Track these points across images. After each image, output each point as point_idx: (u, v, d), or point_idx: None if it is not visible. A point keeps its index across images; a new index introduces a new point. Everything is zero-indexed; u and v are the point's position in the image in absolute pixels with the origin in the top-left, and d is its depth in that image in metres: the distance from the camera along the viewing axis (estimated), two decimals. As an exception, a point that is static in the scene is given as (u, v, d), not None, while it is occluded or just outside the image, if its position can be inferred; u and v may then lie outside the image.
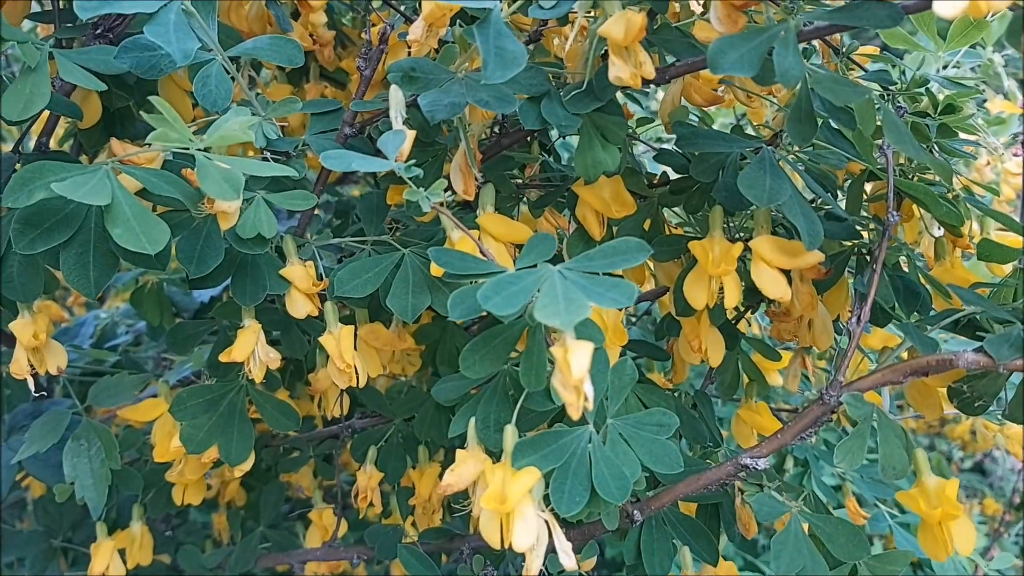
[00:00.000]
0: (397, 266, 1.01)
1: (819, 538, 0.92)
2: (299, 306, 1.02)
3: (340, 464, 1.47)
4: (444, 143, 1.05)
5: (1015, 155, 1.82)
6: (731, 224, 1.08)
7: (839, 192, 1.13)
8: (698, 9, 1.05)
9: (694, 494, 0.96)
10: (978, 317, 0.91)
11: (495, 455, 0.90)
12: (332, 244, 1.11)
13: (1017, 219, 1.16)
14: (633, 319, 1.90)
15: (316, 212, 1.41)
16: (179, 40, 0.76)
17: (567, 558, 0.78)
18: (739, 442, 1.30)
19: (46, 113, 1.03)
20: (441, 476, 1.30)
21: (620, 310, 1.02)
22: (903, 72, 1.13)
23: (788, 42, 0.76)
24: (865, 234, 1.08)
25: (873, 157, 0.98)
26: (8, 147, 2.73)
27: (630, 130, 1.05)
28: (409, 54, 1.03)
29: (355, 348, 1.05)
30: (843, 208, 1.04)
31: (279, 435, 1.49)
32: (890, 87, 1.08)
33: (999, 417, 1.12)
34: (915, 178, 1.05)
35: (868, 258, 1.06)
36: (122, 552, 1.32)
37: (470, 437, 0.89)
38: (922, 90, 1.10)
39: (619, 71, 0.79)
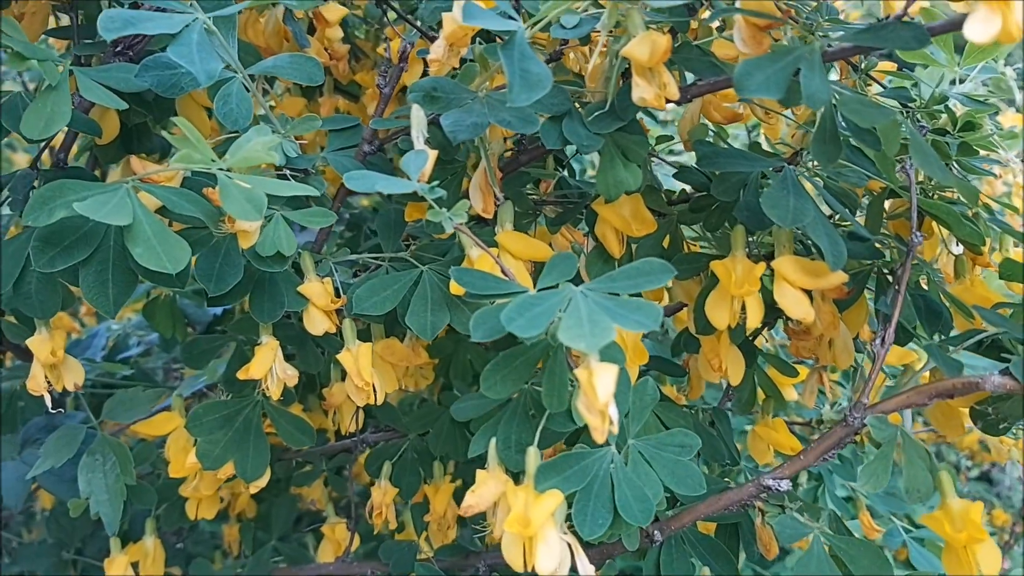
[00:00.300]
0: (415, 283, 1.01)
1: (841, 559, 0.91)
2: (317, 323, 1.01)
3: (352, 477, 1.46)
4: (462, 161, 1.05)
5: (1029, 168, 1.81)
6: (749, 240, 1.07)
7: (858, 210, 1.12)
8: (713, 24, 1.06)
9: (715, 514, 0.95)
10: (1001, 338, 0.90)
11: (515, 475, 0.90)
12: (349, 260, 1.11)
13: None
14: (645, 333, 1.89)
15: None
16: (203, 61, 0.76)
17: (590, 582, 0.77)
18: (755, 458, 1.29)
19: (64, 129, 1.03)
20: (456, 493, 1.31)
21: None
22: (918, 88, 1.13)
23: (814, 64, 0.76)
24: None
25: (894, 176, 0.98)
26: (16, 156, 2.74)
27: (649, 148, 1.04)
28: (425, 71, 1.03)
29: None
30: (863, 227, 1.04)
31: (291, 448, 1.49)
32: (908, 104, 1.08)
33: (1014, 432, 1.11)
34: (935, 196, 1.04)
35: (888, 276, 1.05)
36: (134, 565, 1.32)
37: (490, 457, 0.88)
38: (940, 107, 1.09)
39: (643, 92, 0.79)
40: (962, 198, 0.97)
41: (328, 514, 1.50)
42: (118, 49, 0.94)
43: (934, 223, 1.07)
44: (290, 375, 1.04)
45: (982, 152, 1.09)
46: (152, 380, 1.67)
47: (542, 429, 0.85)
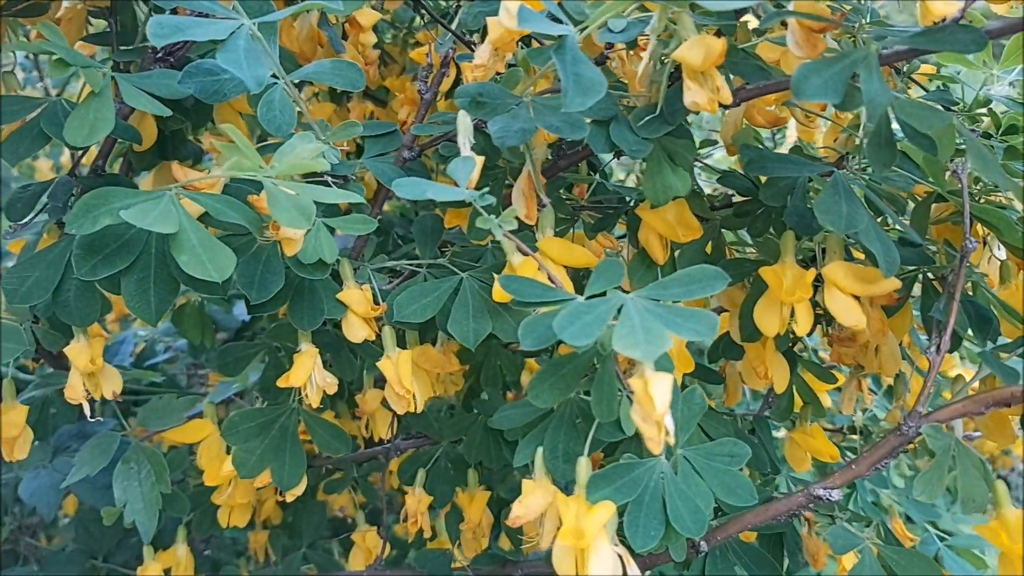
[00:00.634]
0: (455, 291, 1.00)
1: (892, 570, 0.89)
2: (356, 330, 1.00)
3: (384, 484, 1.44)
4: (502, 166, 1.04)
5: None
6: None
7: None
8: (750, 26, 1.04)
9: (762, 524, 0.94)
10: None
11: (561, 484, 0.89)
12: (386, 266, 1.10)
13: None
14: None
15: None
16: (251, 67, 0.75)
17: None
18: (792, 466, 1.27)
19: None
20: (491, 502, 1.29)
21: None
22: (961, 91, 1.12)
23: (872, 67, 0.74)
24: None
25: (944, 180, 0.96)
26: (39, 163, 2.74)
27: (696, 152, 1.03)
28: (461, 77, 1.02)
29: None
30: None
31: (321, 455, 1.48)
32: (951, 108, 1.06)
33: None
34: (983, 200, 1.02)
35: (934, 282, 1.04)
36: (166, 572, 1.31)
37: (537, 467, 0.87)
38: (983, 110, 1.08)
39: (695, 96, 0.77)
40: (1016, 203, 0.95)
41: (358, 521, 1.49)
42: (159, 55, 0.94)
43: (978, 227, 1.05)
44: (329, 382, 1.03)
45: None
46: (178, 386, 1.67)
47: (591, 439, 0.83)
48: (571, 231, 1.14)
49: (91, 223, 0.81)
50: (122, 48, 1.00)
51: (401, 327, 1.07)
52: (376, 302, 1.02)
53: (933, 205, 1.09)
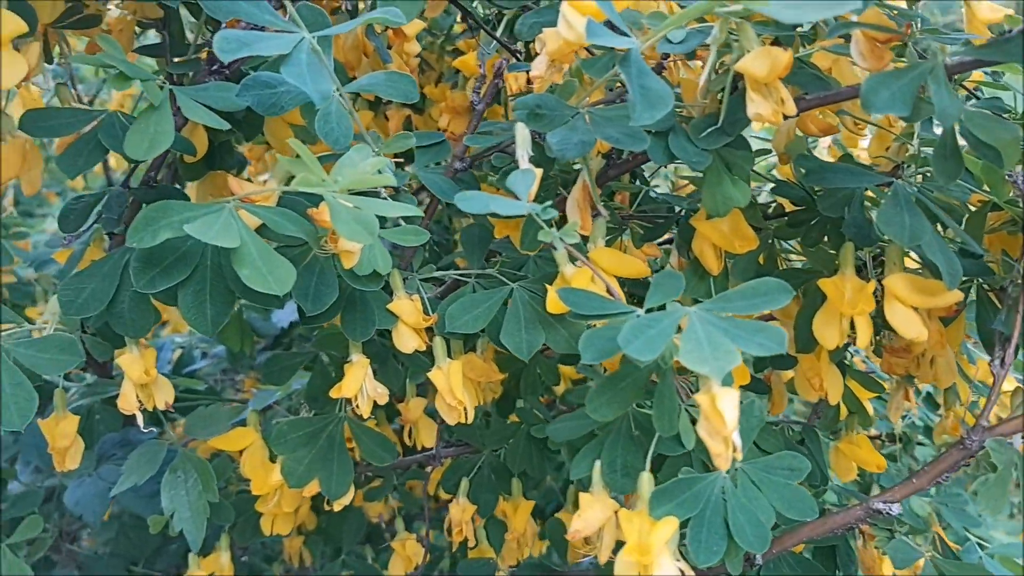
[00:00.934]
0: (505, 301, 0.99)
1: (952, 585, 0.88)
2: (407, 341, 1.00)
3: (425, 492, 1.44)
4: (552, 176, 1.04)
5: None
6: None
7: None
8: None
9: (819, 537, 0.93)
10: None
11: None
12: (435, 276, 1.10)
13: None
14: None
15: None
16: (315, 81, 0.75)
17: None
18: (839, 476, 1.26)
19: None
20: (535, 511, 1.29)
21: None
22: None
23: (940, 79, 0.74)
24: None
25: (1002, 189, 0.95)
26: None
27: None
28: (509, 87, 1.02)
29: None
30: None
31: (362, 462, 1.48)
32: (1003, 115, 1.05)
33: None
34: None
35: (989, 292, 1.03)
36: (210, 579, 1.32)
37: (595, 481, 0.87)
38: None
39: (759, 108, 0.77)
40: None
41: (397, 528, 1.49)
42: (214, 68, 0.94)
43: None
44: (380, 392, 1.03)
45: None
46: (216, 393, 1.67)
47: (651, 453, 0.83)
48: (619, 239, 1.13)
49: (151, 236, 0.81)
50: (176, 60, 1.00)
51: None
52: (426, 312, 1.02)
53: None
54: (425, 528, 1.36)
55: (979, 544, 1.69)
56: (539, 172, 0.82)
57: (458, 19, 1.50)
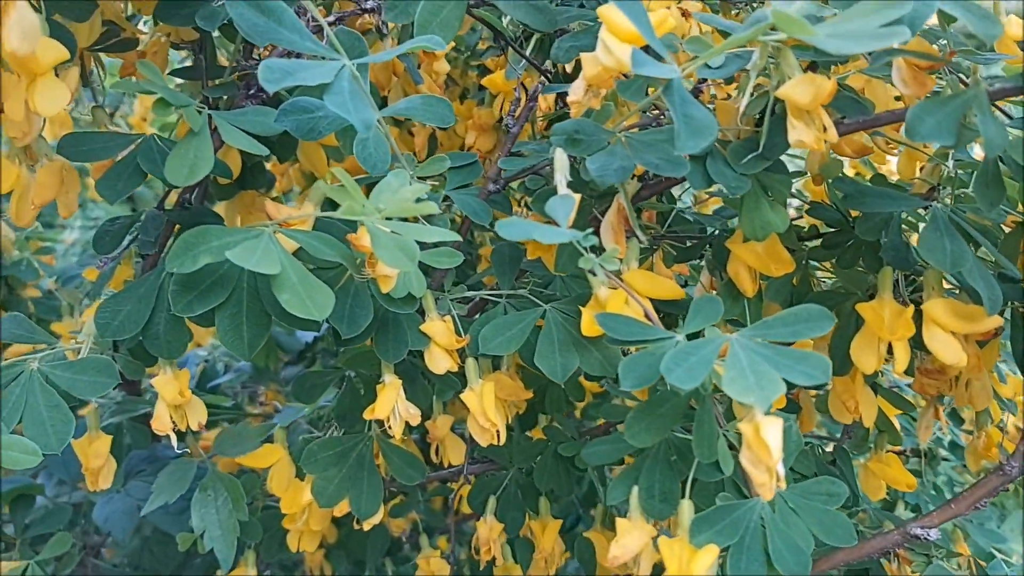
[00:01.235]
0: (538, 323, 0.99)
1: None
2: (440, 362, 1.00)
3: (451, 510, 1.44)
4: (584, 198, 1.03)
5: None
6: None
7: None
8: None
9: (854, 561, 0.93)
10: None
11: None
12: (466, 296, 1.10)
13: None
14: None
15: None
16: (357, 110, 0.75)
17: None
18: (868, 495, 1.26)
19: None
20: (563, 530, 1.29)
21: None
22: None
23: (984, 107, 0.73)
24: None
25: (1038, 212, 0.95)
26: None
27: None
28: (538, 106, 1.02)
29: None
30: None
31: (388, 477, 1.49)
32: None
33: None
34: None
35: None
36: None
37: (632, 507, 0.87)
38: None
39: (801, 135, 0.77)
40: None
41: (422, 544, 1.49)
42: (251, 92, 0.94)
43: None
44: (412, 414, 1.03)
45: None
46: (241, 409, 1.68)
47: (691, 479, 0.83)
48: (650, 259, 1.13)
49: (191, 262, 0.82)
50: (212, 84, 1.00)
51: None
52: (457, 333, 1.02)
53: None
54: (451, 544, 1.36)
55: (1005, 562, 1.68)
56: (578, 198, 0.82)
57: (483, 36, 1.50)
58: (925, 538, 0.88)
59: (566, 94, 0.84)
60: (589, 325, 0.90)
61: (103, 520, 1.30)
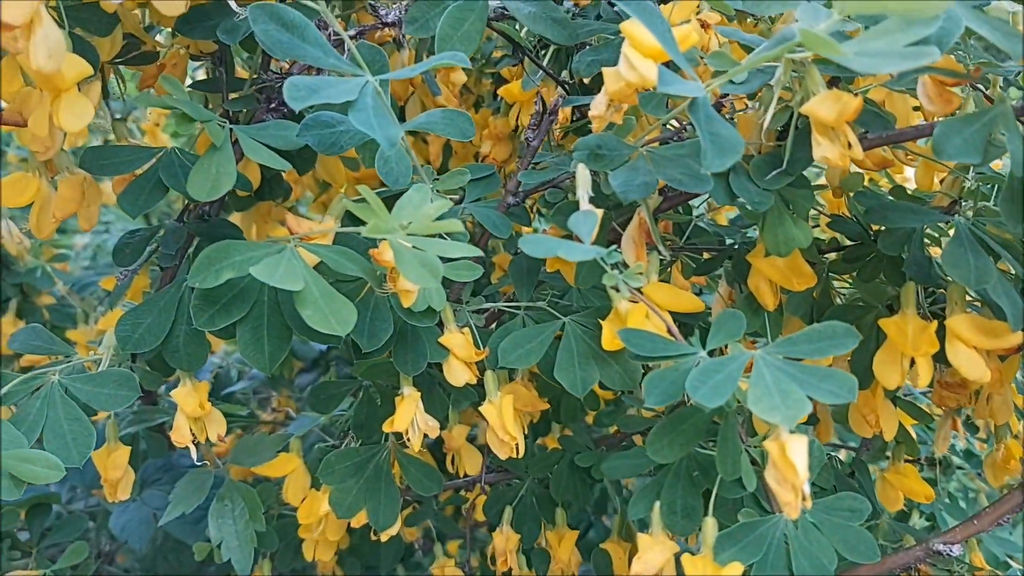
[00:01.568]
0: (557, 335, 0.99)
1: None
2: (458, 374, 1.00)
3: (467, 519, 1.44)
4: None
5: None
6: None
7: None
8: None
9: (875, 577, 0.92)
10: None
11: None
12: (483, 308, 1.10)
13: None
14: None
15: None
16: (382, 127, 0.75)
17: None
18: (885, 506, 1.25)
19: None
20: (579, 541, 1.29)
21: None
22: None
23: (1011, 125, 0.73)
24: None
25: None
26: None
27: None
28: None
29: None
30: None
31: (403, 484, 1.49)
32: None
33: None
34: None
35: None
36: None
37: (654, 523, 0.86)
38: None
39: (826, 152, 0.76)
40: None
41: (436, 553, 1.49)
42: (271, 105, 0.94)
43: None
44: (431, 426, 1.03)
45: None
46: (255, 416, 1.68)
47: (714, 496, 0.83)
48: (668, 270, 1.13)
49: (214, 277, 0.82)
50: (232, 97, 1.00)
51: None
52: (476, 345, 1.02)
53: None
54: (467, 554, 1.36)
55: (1022, 572, 1.68)
56: (601, 213, 0.81)
57: (497, 44, 1.50)
58: (948, 554, 0.87)
59: (583, 105, 0.84)
60: (610, 339, 0.90)
61: (120, 529, 1.30)
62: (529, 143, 1.00)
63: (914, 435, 1.42)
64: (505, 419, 1.00)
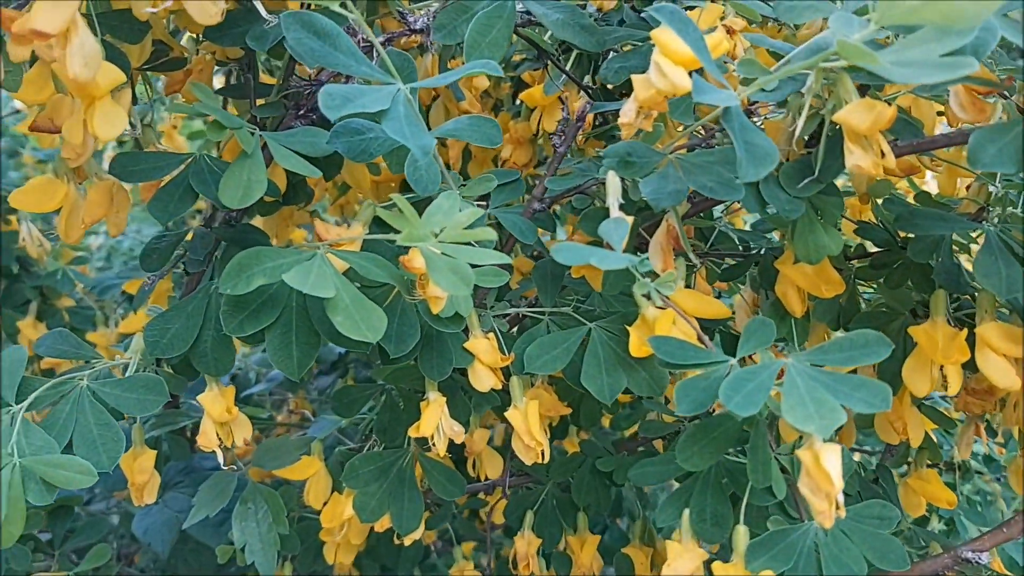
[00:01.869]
0: (583, 342, 0.99)
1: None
2: (484, 380, 1.00)
3: (488, 522, 1.44)
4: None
5: None
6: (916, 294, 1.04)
7: None
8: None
9: (903, 585, 0.92)
10: None
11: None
12: (507, 313, 1.10)
13: None
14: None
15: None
16: (414, 135, 0.75)
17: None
18: (908, 512, 1.25)
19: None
20: (601, 546, 1.29)
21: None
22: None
23: (1046, 133, 0.73)
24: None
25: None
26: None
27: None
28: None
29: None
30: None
31: (423, 487, 1.49)
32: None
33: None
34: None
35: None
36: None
37: (684, 530, 0.86)
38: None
39: (859, 160, 0.76)
40: None
41: (456, 556, 1.49)
42: (300, 111, 0.95)
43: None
44: (456, 431, 1.03)
45: None
46: (273, 418, 1.68)
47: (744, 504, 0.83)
48: (693, 276, 1.13)
49: (245, 283, 0.82)
50: (260, 104, 1.01)
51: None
52: (501, 350, 1.02)
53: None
54: (488, 557, 1.36)
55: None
56: (631, 221, 0.81)
57: (517, 48, 1.50)
58: (976, 561, 0.87)
59: (606, 110, 0.83)
60: (638, 346, 0.90)
61: (143, 532, 1.31)
62: (556, 149, 1.00)
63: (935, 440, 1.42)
64: (531, 424, 1.00)
